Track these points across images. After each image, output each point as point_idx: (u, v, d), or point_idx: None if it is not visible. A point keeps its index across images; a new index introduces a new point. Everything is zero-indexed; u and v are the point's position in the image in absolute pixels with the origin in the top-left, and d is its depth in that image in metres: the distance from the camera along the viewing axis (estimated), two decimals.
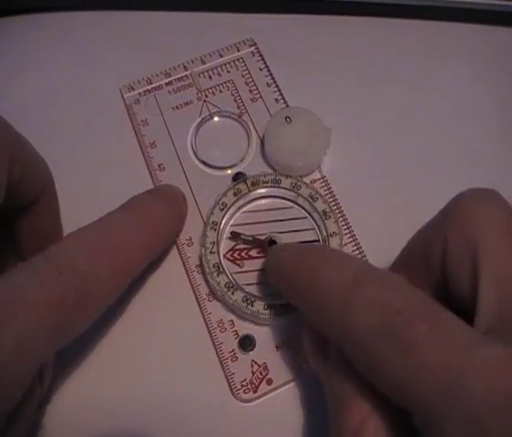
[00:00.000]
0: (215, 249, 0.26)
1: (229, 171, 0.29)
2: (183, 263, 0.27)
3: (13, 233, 0.26)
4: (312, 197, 0.28)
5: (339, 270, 0.20)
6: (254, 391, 0.25)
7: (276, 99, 0.31)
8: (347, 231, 0.28)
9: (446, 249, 0.19)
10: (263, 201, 0.28)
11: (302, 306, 0.21)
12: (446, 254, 0.19)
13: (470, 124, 0.31)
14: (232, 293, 0.25)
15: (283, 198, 0.28)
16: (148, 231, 0.24)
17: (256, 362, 0.25)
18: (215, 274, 0.26)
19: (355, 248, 0.27)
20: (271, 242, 0.27)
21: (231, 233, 0.27)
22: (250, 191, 0.28)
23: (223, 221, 0.27)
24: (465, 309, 0.18)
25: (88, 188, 0.29)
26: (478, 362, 0.15)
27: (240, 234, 0.27)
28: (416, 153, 0.30)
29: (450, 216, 0.20)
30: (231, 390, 0.25)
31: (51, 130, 0.30)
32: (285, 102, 0.31)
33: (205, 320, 0.26)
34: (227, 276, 0.26)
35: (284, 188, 0.28)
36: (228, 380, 0.25)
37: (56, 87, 0.32)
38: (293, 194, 0.28)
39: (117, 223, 0.23)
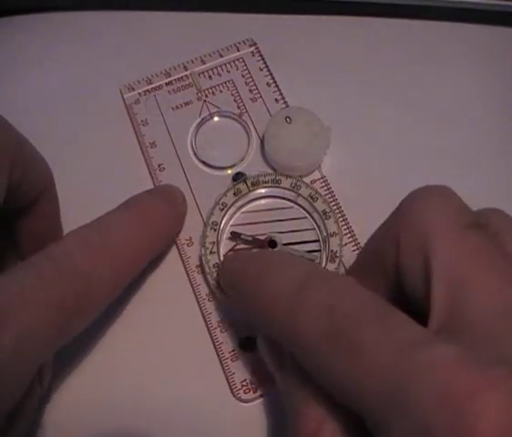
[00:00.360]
0: (215, 249, 0.26)
1: (229, 171, 0.29)
2: (183, 263, 0.27)
3: (13, 232, 0.26)
4: (311, 197, 0.28)
5: (283, 278, 0.19)
6: (254, 392, 0.25)
7: (276, 99, 0.31)
8: (347, 231, 0.28)
9: (399, 250, 0.19)
10: (263, 201, 0.28)
11: (251, 315, 0.21)
12: (399, 255, 0.19)
13: (470, 124, 0.31)
14: None
15: (283, 198, 0.28)
16: (148, 231, 0.24)
17: (256, 363, 0.25)
18: (215, 274, 0.26)
19: (355, 247, 0.27)
20: (271, 242, 0.27)
21: (231, 233, 0.27)
22: (250, 191, 0.28)
23: (223, 221, 0.27)
24: (420, 311, 0.18)
25: (88, 188, 0.29)
26: (424, 361, 0.15)
27: (239, 234, 0.27)
28: (416, 153, 0.30)
29: (401, 215, 0.20)
30: (231, 390, 0.25)
31: (51, 130, 0.30)
32: (285, 102, 0.31)
33: (205, 319, 0.26)
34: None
35: (284, 188, 0.28)
36: (228, 380, 0.25)
37: (56, 87, 0.32)
38: (293, 194, 0.28)
39: (116, 223, 0.23)
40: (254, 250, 0.25)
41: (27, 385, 0.20)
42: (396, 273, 0.19)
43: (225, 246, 0.27)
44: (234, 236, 0.27)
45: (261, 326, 0.21)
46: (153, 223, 0.25)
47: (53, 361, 0.23)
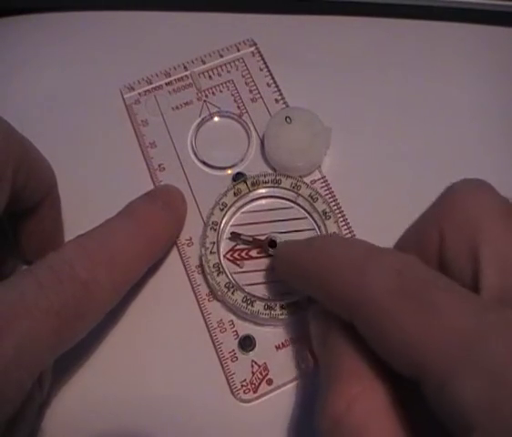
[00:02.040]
0: (215, 250, 0.26)
1: (229, 171, 0.29)
2: (183, 263, 0.27)
3: (14, 233, 0.26)
4: (312, 197, 0.28)
5: (350, 248, 0.20)
6: (254, 392, 0.25)
7: (276, 99, 0.31)
8: (347, 231, 0.28)
9: (444, 238, 0.19)
10: (263, 201, 0.28)
11: (314, 288, 0.21)
12: (444, 244, 0.19)
13: (470, 124, 0.31)
14: (232, 293, 0.25)
15: (283, 199, 0.28)
16: (147, 238, 0.24)
17: (256, 363, 0.25)
18: (215, 274, 0.26)
19: None
20: (271, 242, 0.27)
21: (231, 234, 0.27)
22: (250, 191, 0.28)
23: (223, 221, 0.27)
24: None
25: (88, 188, 0.29)
26: (498, 322, 0.16)
27: (239, 234, 0.27)
28: (417, 153, 0.30)
29: (444, 206, 0.20)
30: (231, 390, 0.25)
31: (50, 130, 0.30)
32: (285, 102, 0.31)
33: (205, 320, 0.26)
34: (227, 276, 0.26)
35: (284, 189, 0.28)
36: (228, 380, 0.25)
37: (56, 88, 0.32)
38: (293, 194, 0.28)
39: (115, 231, 0.23)
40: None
41: (28, 392, 0.20)
42: (440, 263, 0.20)
43: (225, 246, 0.27)
44: (234, 236, 0.27)
45: (321, 295, 0.20)
46: (152, 230, 0.25)
47: (52, 367, 0.23)
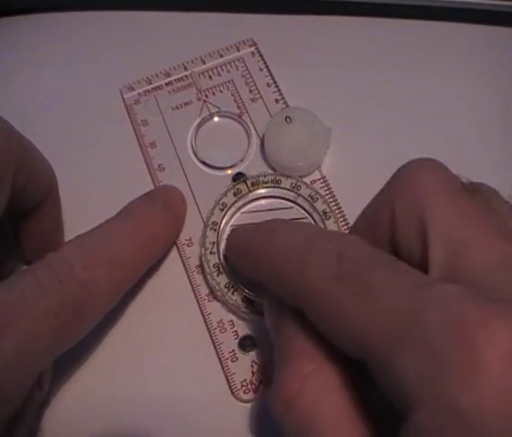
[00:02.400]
0: (215, 250, 0.26)
1: (229, 171, 0.29)
2: (183, 263, 0.27)
3: (14, 234, 0.26)
4: (312, 197, 0.28)
5: (293, 233, 0.20)
6: (254, 392, 0.25)
7: (276, 99, 0.31)
8: (347, 231, 0.28)
9: (394, 217, 0.19)
10: (263, 202, 0.28)
11: (259, 274, 0.21)
12: (394, 221, 0.19)
13: (470, 124, 0.31)
14: (232, 293, 0.25)
15: (283, 199, 0.28)
16: (146, 238, 0.24)
17: (256, 363, 0.25)
18: (215, 274, 0.26)
19: None
20: None
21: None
22: (250, 191, 0.28)
23: (223, 221, 0.27)
24: None
25: (88, 188, 0.29)
26: (433, 297, 0.15)
27: None
28: (416, 153, 0.30)
29: (395, 184, 0.20)
30: (231, 390, 0.25)
31: (50, 130, 0.30)
32: (285, 102, 0.31)
33: (205, 320, 0.26)
34: (226, 276, 0.26)
35: (284, 189, 0.28)
36: (228, 380, 0.25)
37: (56, 88, 0.32)
38: (293, 194, 0.28)
39: (114, 231, 0.23)
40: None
41: (27, 391, 0.20)
42: (392, 241, 0.20)
43: (225, 246, 0.27)
44: None
45: (269, 282, 0.21)
46: (151, 231, 0.25)
47: (52, 367, 0.23)
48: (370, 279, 0.17)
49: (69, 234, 0.27)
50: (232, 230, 0.26)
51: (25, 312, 0.19)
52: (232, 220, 0.28)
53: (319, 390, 0.18)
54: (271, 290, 0.21)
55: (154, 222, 0.25)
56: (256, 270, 0.22)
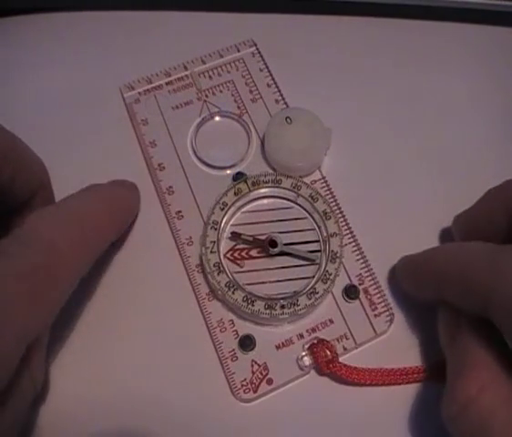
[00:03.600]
0: (215, 249, 0.26)
1: (228, 171, 0.29)
2: (183, 262, 0.27)
3: (6, 230, 0.25)
4: (312, 197, 0.28)
5: (473, 247, 0.21)
6: (254, 391, 0.24)
7: (276, 100, 0.31)
8: (347, 232, 0.28)
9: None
10: (264, 201, 0.28)
11: (445, 290, 0.22)
12: None
13: (471, 123, 0.31)
14: (233, 293, 0.25)
15: (284, 199, 0.28)
16: (106, 204, 0.25)
17: (256, 362, 0.25)
18: (215, 273, 0.26)
19: (355, 248, 0.27)
20: (272, 242, 0.27)
21: (232, 233, 0.27)
22: (250, 191, 0.28)
23: (224, 221, 0.27)
24: None
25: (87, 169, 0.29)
26: None
27: (240, 234, 0.27)
28: (416, 153, 0.30)
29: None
30: (231, 389, 0.25)
31: (50, 130, 0.30)
32: (285, 102, 0.31)
33: (205, 319, 0.26)
34: (227, 275, 0.26)
35: (285, 189, 0.28)
36: (228, 379, 0.25)
37: (56, 87, 0.32)
38: (294, 194, 0.28)
39: (77, 197, 0.24)
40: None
41: (13, 367, 0.19)
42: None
43: (225, 245, 0.27)
44: (234, 236, 0.27)
45: (456, 299, 0.22)
46: (111, 197, 0.26)
47: (47, 360, 0.23)
48: None
49: None
50: (400, 260, 0.26)
51: None
52: (233, 220, 0.28)
53: (496, 398, 0.19)
54: (448, 306, 0.22)
55: (112, 192, 0.26)
56: (439, 290, 0.23)
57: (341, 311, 0.26)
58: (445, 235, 0.28)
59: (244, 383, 0.25)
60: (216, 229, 0.27)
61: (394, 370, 0.25)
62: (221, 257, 0.27)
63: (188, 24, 0.34)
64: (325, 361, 0.24)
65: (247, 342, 0.25)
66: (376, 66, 0.32)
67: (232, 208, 0.28)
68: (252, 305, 0.25)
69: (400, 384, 0.25)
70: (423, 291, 0.25)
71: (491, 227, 0.24)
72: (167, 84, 0.32)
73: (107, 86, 0.31)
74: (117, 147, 0.30)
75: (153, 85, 0.31)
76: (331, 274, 0.26)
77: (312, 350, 0.25)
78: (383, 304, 0.26)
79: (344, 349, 0.25)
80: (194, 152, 0.30)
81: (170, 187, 0.29)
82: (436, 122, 0.31)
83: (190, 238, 0.27)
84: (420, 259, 0.25)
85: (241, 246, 0.27)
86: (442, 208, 0.28)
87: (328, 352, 0.25)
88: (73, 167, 0.29)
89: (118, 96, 0.31)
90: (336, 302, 0.26)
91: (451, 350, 0.22)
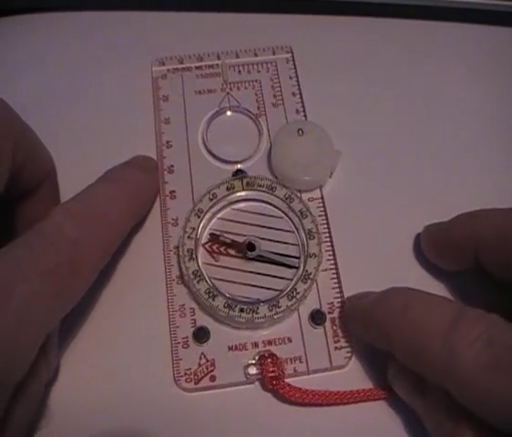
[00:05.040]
0: (193, 236, 0.27)
1: (231, 166, 0.29)
2: (163, 241, 0.27)
3: (13, 218, 0.26)
4: (301, 213, 0.27)
5: (430, 313, 0.21)
6: (196, 383, 0.25)
7: (297, 110, 0.31)
8: (331, 258, 0.27)
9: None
10: (254, 204, 0.28)
11: (395, 350, 0.22)
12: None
13: (471, 124, 0.31)
14: (198, 282, 0.25)
15: (275, 207, 0.28)
16: (127, 196, 0.25)
17: (205, 356, 0.25)
18: (186, 259, 0.26)
19: (335, 276, 0.27)
20: (250, 245, 0.27)
21: (210, 235, 0.27)
22: (243, 190, 0.28)
23: (210, 211, 0.27)
24: None
25: (94, 151, 0.30)
26: None
27: (218, 236, 0.27)
28: (418, 199, 0.29)
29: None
30: (174, 375, 0.25)
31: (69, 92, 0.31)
32: (305, 114, 0.31)
33: (168, 300, 0.26)
34: (197, 264, 0.26)
35: (277, 197, 0.28)
36: (173, 364, 0.25)
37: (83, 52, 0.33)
38: (285, 205, 0.28)
39: (98, 192, 0.24)
40: (383, 291, 0.24)
41: (33, 357, 0.20)
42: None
43: (208, 235, 0.27)
44: (213, 237, 0.27)
45: (405, 359, 0.22)
46: (131, 190, 0.26)
47: (59, 345, 0.23)
48: None
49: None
50: (353, 298, 0.25)
51: (22, 277, 0.20)
52: (221, 214, 0.28)
53: None
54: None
55: (133, 182, 0.26)
56: (387, 345, 0.22)
57: (302, 333, 0.26)
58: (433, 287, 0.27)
59: (188, 373, 0.25)
60: (199, 217, 0.27)
61: (339, 392, 0.24)
62: (197, 245, 0.27)
63: (232, 20, 0.34)
64: (270, 377, 0.24)
65: (201, 334, 0.25)
66: (404, 113, 0.32)
67: (222, 202, 0.28)
68: (213, 300, 0.25)
69: (345, 405, 0.24)
70: (367, 339, 0.24)
71: (458, 252, 0.24)
72: (196, 68, 0.32)
73: (139, 57, 0.32)
74: (134, 117, 0.31)
75: (183, 65, 0.32)
76: (298, 293, 0.25)
77: (260, 361, 0.24)
78: (346, 339, 0.25)
79: (295, 371, 0.25)
80: (203, 139, 0.30)
81: (172, 165, 0.29)
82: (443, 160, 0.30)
83: (177, 219, 0.28)
84: (367, 316, 0.23)
85: (219, 245, 0.27)
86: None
87: (275, 369, 0.24)
88: (88, 132, 0.30)
89: (148, 69, 0.32)
90: (300, 323, 0.26)
91: (423, 409, 0.22)
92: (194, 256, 0.26)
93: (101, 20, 0.34)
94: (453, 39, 0.33)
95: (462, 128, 0.31)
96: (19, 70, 0.33)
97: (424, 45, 0.33)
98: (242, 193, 0.28)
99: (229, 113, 0.31)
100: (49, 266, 0.20)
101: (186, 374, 0.25)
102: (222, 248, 0.27)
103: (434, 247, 0.26)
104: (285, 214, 0.28)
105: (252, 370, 0.25)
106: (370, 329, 0.23)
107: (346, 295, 0.26)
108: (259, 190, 0.28)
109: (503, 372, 0.18)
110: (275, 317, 0.25)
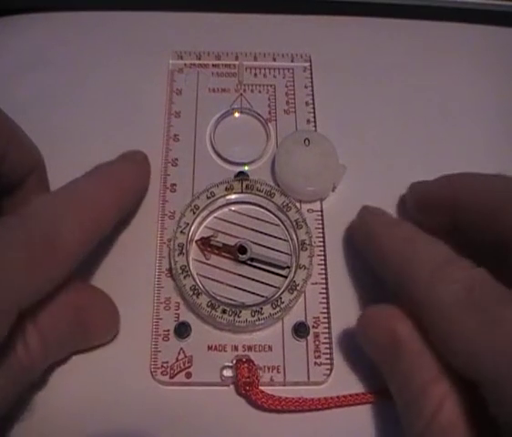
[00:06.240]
0: (186, 231, 0.27)
1: (235, 168, 0.29)
2: (157, 233, 0.28)
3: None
4: (297, 223, 0.27)
5: (429, 249, 0.22)
6: (171, 377, 0.25)
7: (308, 120, 0.31)
8: (323, 272, 0.27)
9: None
10: (252, 207, 0.28)
11: (388, 274, 0.24)
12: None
13: (471, 125, 0.31)
14: (184, 278, 0.26)
15: (272, 213, 0.28)
16: (111, 186, 0.25)
17: (184, 352, 0.25)
18: (176, 253, 0.26)
19: (323, 291, 0.26)
20: (241, 248, 0.27)
21: (200, 239, 0.27)
22: (242, 193, 0.28)
23: (207, 209, 0.27)
24: None
25: (99, 138, 0.30)
26: None
27: (209, 239, 0.27)
28: None
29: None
30: (150, 366, 0.25)
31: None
32: (315, 125, 0.31)
33: (155, 292, 0.26)
34: (186, 259, 0.26)
35: (275, 204, 0.28)
36: (151, 356, 0.25)
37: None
38: (281, 213, 0.28)
39: (80, 182, 0.24)
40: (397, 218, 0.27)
41: (4, 334, 0.19)
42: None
43: (202, 232, 0.27)
44: (203, 241, 0.27)
45: (396, 285, 0.23)
46: (117, 180, 0.25)
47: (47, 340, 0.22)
48: (500, 314, 0.19)
49: None
50: (364, 213, 0.27)
51: None
52: (217, 213, 0.28)
53: (456, 407, 0.20)
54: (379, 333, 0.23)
55: (117, 172, 0.26)
56: (385, 271, 0.24)
57: (283, 343, 0.25)
58: None
59: (164, 366, 0.25)
60: (194, 213, 0.27)
61: (313, 399, 0.24)
62: (189, 240, 0.27)
63: (251, 21, 0.34)
64: (244, 382, 0.24)
65: (182, 329, 0.25)
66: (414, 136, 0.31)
67: (220, 201, 0.28)
68: (197, 297, 0.25)
69: (319, 411, 0.24)
70: (365, 253, 0.26)
71: (437, 211, 0.26)
72: (213, 65, 0.32)
73: (158, 49, 0.33)
74: (146, 108, 0.31)
75: (200, 61, 0.32)
76: (283, 302, 0.25)
77: (237, 365, 0.24)
78: (327, 356, 0.25)
79: (272, 380, 0.25)
80: (211, 137, 0.30)
81: (176, 159, 0.29)
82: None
83: (174, 212, 0.28)
84: (379, 228, 0.25)
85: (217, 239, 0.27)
86: None
87: (250, 375, 0.24)
88: (91, 128, 0.31)
89: (165, 64, 0.32)
90: (283, 333, 0.26)
91: (394, 375, 0.22)
92: (184, 251, 0.26)
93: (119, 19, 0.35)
94: (453, 39, 0.34)
95: (461, 132, 0.31)
96: (19, 69, 0.33)
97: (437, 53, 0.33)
98: (240, 195, 0.28)
99: (239, 114, 0.31)
100: (21, 237, 0.20)
101: (162, 367, 0.25)
102: (215, 248, 0.27)
103: (416, 204, 0.27)
104: (281, 222, 0.28)
105: (228, 373, 0.25)
106: (372, 250, 0.25)
107: (333, 311, 0.26)
108: (257, 195, 0.28)
109: (473, 312, 0.19)
110: (257, 323, 0.25)
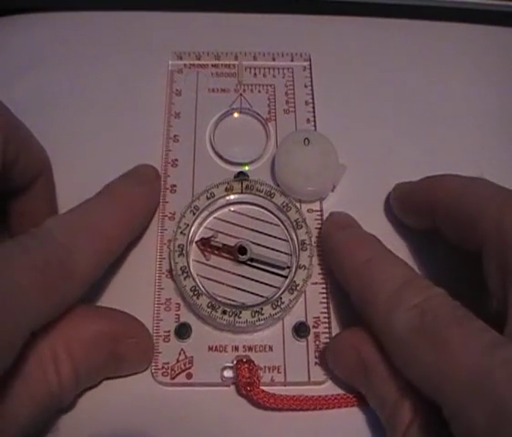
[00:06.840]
0: (186, 232, 0.27)
1: (235, 168, 0.29)
2: (157, 234, 0.28)
3: (6, 214, 0.26)
4: (297, 223, 0.27)
5: (388, 273, 0.23)
6: (172, 378, 0.25)
7: (308, 119, 0.31)
8: (323, 272, 0.27)
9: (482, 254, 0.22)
10: (251, 207, 0.28)
11: (350, 294, 0.24)
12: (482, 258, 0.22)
13: (471, 125, 0.31)
14: (184, 279, 0.26)
15: (272, 213, 0.28)
16: (123, 210, 0.25)
17: (184, 353, 0.25)
18: (176, 254, 0.26)
19: (324, 291, 0.26)
20: (241, 249, 0.27)
21: (200, 239, 0.27)
22: (241, 193, 0.28)
23: (207, 210, 0.28)
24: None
25: (97, 150, 0.30)
26: (504, 358, 0.18)
27: (209, 240, 0.27)
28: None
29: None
30: (151, 368, 0.25)
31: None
32: (315, 124, 0.30)
33: (155, 293, 0.26)
34: (186, 261, 0.26)
35: (275, 204, 0.28)
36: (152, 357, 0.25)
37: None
38: (281, 214, 0.28)
39: (94, 206, 0.24)
40: (361, 232, 0.26)
41: (16, 351, 0.19)
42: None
43: (202, 233, 0.27)
44: (203, 242, 0.27)
45: (357, 303, 0.24)
46: (128, 203, 0.25)
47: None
48: (446, 336, 0.19)
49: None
50: (330, 219, 0.27)
51: (9, 266, 0.20)
52: (217, 213, 0.28)
53: (423, 429, 0.21)
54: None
55: (130, 195, 0.26)
56: (343, 280, 0.25)
57: (284, 344, 0.25)
58: None
59: (165, 367, 0.25)
60: (194, 214, 0.27)
61: (313, 397, 0.24)
62: (190, 241, 0.27)
63: (250, 21, 0.34)
64: (244, 382, 0.24)
65: (183, 330, 0.25)
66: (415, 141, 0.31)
67: (219, 202, 0.28)
68: (197, 298, 0.25)
69: (320, 410, 0.24)
70: (328, 260, 0.26)
71: (418, 212, 0.26)
72: (213, 65, 0.32)
73: (158, 49, 0.33)
74: (145, 109, 0.31)
75: (200, 62, 0.32)
76: (283, 302, 0.25)
77: (237, 366, 0.24)
78: None
79: (272, 380, 0.25)
80: (210, 137, 0.30)
81: (176, 160, 0.29)
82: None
83: (174, 213, 0.28)
84: (335, 258, 0.25)
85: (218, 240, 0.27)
86: None
87: (251, 375, 0.24)
88: (92, 129, 0.30)
89: (165, 65, 0.32)
90: (283, 333, 0.26)
91: (367, 388, 0.23)
92: (184, 252, 0.26)
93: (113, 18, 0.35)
94: (453, 39, 0.34)
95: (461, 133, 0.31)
96: (19, 69, 0.33)
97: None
98: (240, 196, 0.28)
99: (239, 114, 0.31)
100: (38, 263, 0.20)
101: (163, 368, 0.25)
102: (215, 248, 0.27)
103: (399, 205, 0.28)
104: (281, 222, 0.28)
105: (228, 374, 0.25)
106: (335, 267, 0.25)
107: (333, 311, 0.26)
108: (257, 195, 0.28)
109: (425, 338, 0.20)
110: (257, 323, 0.25)
